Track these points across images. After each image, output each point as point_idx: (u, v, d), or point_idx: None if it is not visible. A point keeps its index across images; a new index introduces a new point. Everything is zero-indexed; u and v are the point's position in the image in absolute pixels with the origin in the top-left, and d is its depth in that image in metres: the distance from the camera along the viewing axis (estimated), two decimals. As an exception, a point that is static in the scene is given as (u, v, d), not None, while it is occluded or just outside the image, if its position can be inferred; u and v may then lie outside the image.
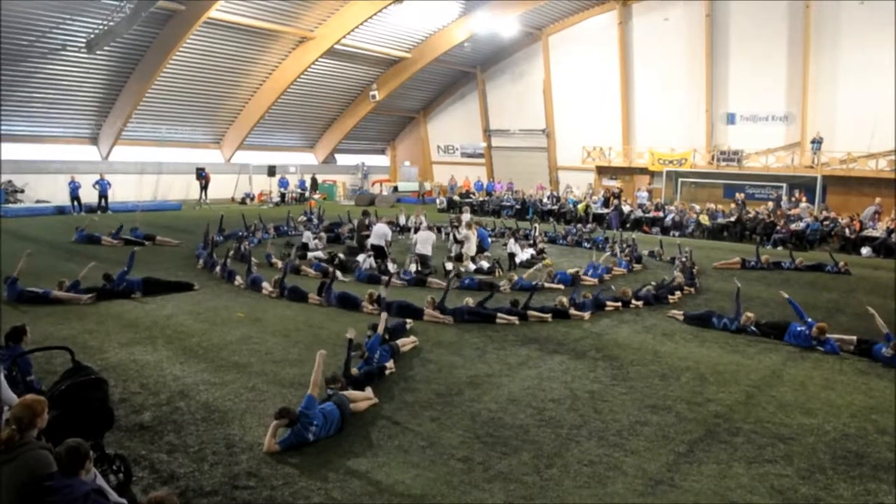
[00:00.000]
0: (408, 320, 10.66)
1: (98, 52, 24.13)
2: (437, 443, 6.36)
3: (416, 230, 17.74)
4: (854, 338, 10.07)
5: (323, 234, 19.15)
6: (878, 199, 24.46)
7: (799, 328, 10.30)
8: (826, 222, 23.63)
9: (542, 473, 5.81)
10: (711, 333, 10.87)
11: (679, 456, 6.27)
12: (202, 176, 30.15)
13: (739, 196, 27.51)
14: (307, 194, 34.50)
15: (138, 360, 8.53)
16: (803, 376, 8.78)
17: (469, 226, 17.35)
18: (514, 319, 11.08)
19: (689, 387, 8.23)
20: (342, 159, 39.77)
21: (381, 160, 43.07)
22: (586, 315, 11.57)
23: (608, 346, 9.95)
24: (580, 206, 28.88)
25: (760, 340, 10.48)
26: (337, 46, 29.45)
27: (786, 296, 11.26)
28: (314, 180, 35.74)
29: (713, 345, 10.21)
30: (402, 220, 22.72)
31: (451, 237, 17.55)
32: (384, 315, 9.22)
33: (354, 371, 7.76)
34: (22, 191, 25.99)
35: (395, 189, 37.25)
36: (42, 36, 23.21)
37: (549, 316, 11.35)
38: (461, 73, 38.19)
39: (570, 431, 6.74)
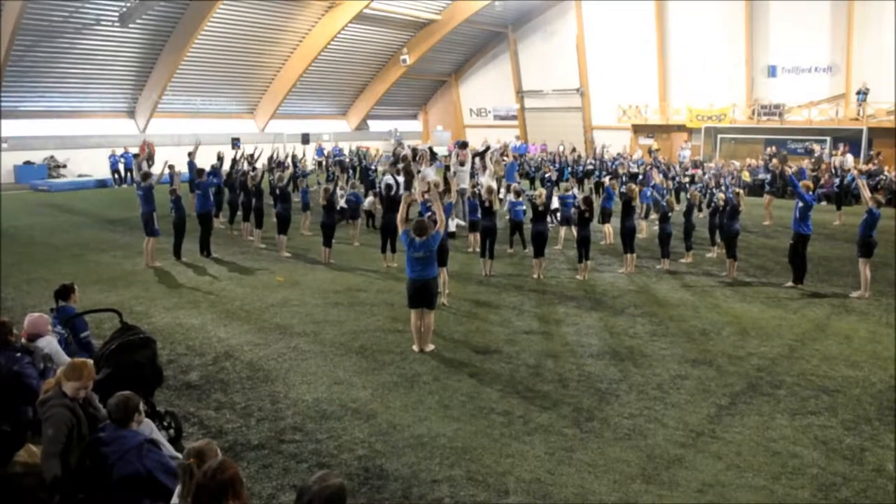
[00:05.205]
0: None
1: (131, 26, 24.32)
2: (476, 398, 6.42)
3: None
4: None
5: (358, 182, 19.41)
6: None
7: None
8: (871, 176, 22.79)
9: (582, 426, 5.84)
10: (752, 289, 10.70)
11: (720, 408, 6.23)
12: (237, 146, 30.39)
13: (771, 150, 26.59)
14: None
15: (184, 324, 8.76)
16: (848, 329, 8.62)
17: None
18: None
19: (731, 341, 8.15)
20: (374, 125, 39.70)
21: (414, 125, 42.87)
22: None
23: (647, 303, 9.87)
24: (619, 168, 28.29)
25: (804, 295, 10.29)
26: (366, 11, 29.16)
27: (789, 171, 11.05)
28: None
29: (755, 300, 10.06)
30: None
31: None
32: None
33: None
34: (64, 166, 26.59)
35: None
36: (75, 11, 23.44)
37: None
38: (492, 34, 37.54)
39: (610, 386, 6.74)
